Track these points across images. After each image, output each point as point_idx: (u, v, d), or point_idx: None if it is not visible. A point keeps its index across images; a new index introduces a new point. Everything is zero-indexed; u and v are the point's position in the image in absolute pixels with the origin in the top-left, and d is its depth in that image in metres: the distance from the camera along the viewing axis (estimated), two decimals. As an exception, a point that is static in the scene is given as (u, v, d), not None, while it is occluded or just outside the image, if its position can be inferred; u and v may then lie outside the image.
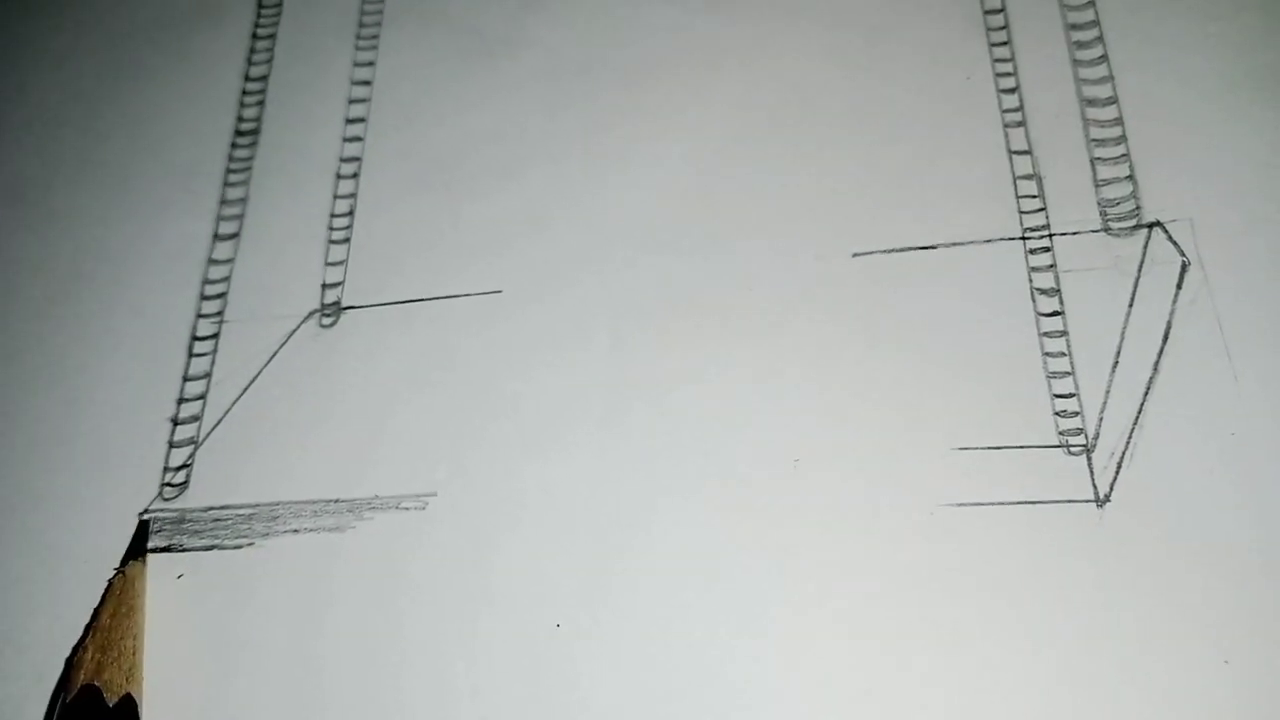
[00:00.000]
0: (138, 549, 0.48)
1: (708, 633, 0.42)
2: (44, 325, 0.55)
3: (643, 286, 0.50)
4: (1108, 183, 0.47)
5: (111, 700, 0.43)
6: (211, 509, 0.49)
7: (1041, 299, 0.45)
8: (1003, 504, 0.42)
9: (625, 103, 0.54)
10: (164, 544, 0.48)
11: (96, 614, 0.46)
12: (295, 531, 0.48)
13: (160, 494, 0.49)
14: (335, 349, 0.51)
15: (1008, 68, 0.50)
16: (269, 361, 0.51)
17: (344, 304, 0.52)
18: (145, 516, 0.49)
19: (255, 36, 0.61)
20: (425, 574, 0.46)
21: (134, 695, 0.44)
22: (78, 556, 0.49)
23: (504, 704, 0.43)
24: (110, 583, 0.47)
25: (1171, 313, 0.44)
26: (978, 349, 0.45)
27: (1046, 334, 0.44)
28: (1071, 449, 0.42)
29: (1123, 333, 0.44)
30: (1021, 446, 0.43)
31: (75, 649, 0.45)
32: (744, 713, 0.41)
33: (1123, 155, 0.47)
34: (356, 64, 0.59)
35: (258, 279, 0.54)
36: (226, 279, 0.54)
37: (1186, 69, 0.48)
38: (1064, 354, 0.44)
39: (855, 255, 0.48)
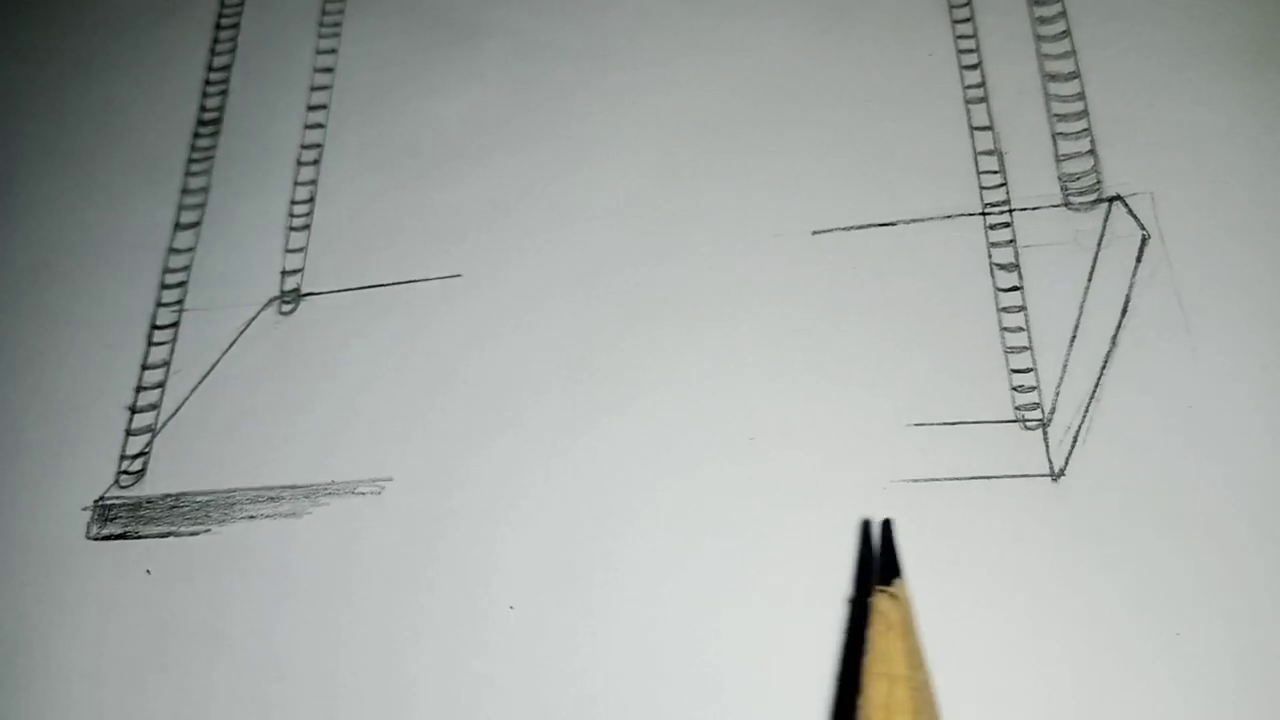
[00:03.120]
0: (892, 559, 0.37)
1: (664, 611, 0.42)
2: (3, 314, 0.54)
3: (603, 268, 0.49)
4: (1069, 157, 0.46)
5: None
6: (168, 496, 0.48)
7: (1000, 274, 0.45)
8: (957, 479, 0.41)
9: (588, 86, 0.54)
10: (119, 531, 0.48)
11: (880, 659, 0.34)
12: (251, 518, 0.47)
13: (116, 481, 0.49)
14: (294, 336, 0.51)
15: (970, 44, 0.50)
16: (228, 349, 0.51)
17: (304, 291, 0.52)
18: (102, 503, 0.49)
19: (219, 27, 0.61)
20: (380, 558, 0.45)
21: None
22: (33, 545, 0.49)
23: (458, 685, 0.42)
24: (878, 613, 0.35)
25: (1131, 286, 0.43)
26: (936, 325, 0.44)
27: (1005, 309, 0.44)
28: (1028, 423, 0.42)
29: (1081, 307, 0.43)
30: (977, 422, 0.42)
31: (861, 706, 0.34)
32: (702, 689, 0.40)
33: (1084, 130, 0.46)
34: (319, 51, 0.58)
35: (219, 267, 0.54)
36: (187, 268, 0.54)
37: (1148, 44, 0.48)
38: (1022, 329, 0.43)
39: (815, 233, 0.47)
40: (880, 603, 0.34)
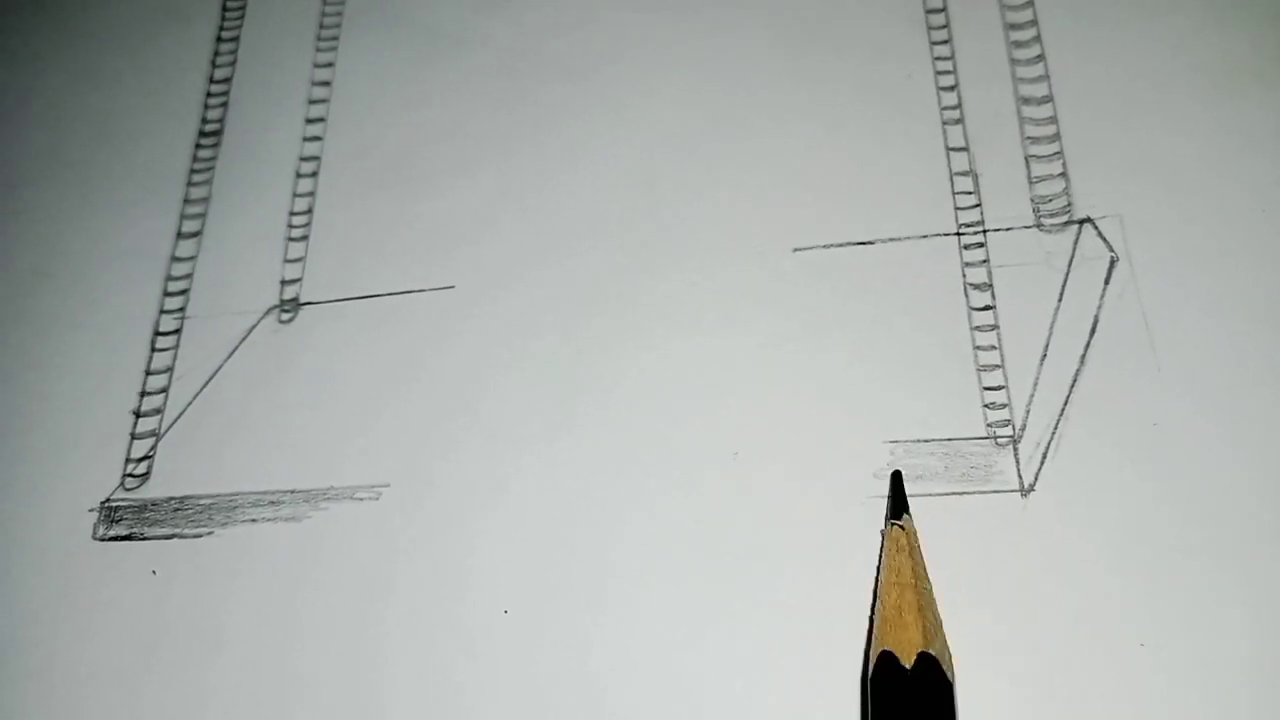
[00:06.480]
0: (901, 500, 0.43)
1: (650, 619, 0.44)
2: (8, 321, 0.56)
3: (591, 281, 0.51)
4: (1041, 179, 0.48)
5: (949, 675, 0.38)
6: (172, 499, 0.50)
7: (974, 294, 0.46)
8: (931, 495, 0.43)
9: (575, 100, 0.55)
10: (125, 532, 0.50)
11: (893, 571, 0.40)
12: (253, 521, 0.49)
13: (122, 484, 0.51)
14: (293, 344, 0.53)
15: (947, 66, 0.51)
16: (229, 356, 0.53)
17: (302, 300, 0.53)
18: (108, 505, 0.50)
19: (219, 39, 0.62)
20: (378, 562, 0.47)
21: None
22: (40, 546, 0.50)
23: (454, 688, 0.44)
24: (891, 538, 0.42)
25: (1099, 307, 0.45)
26: (912, 343, 0.46)
27: (978, 328, 0.46)
28: (999, 440, 0.44)
29: (1051, 326, 0.45)
30: (950, 438, 0.44)
31: (878, 610, 0.40)
32: (687, 696, 0.42)
33: (1056, 153, 0.48)
34: (317, 65, 0.60)
35: (219, 276, 0.55)
36: (189, 276, 0.55)
37: (1120, 69, 0.49)
38: (994, 347, 0.45)
39: (796, 250, 0.49)
40: (892, 532, 0.41)
